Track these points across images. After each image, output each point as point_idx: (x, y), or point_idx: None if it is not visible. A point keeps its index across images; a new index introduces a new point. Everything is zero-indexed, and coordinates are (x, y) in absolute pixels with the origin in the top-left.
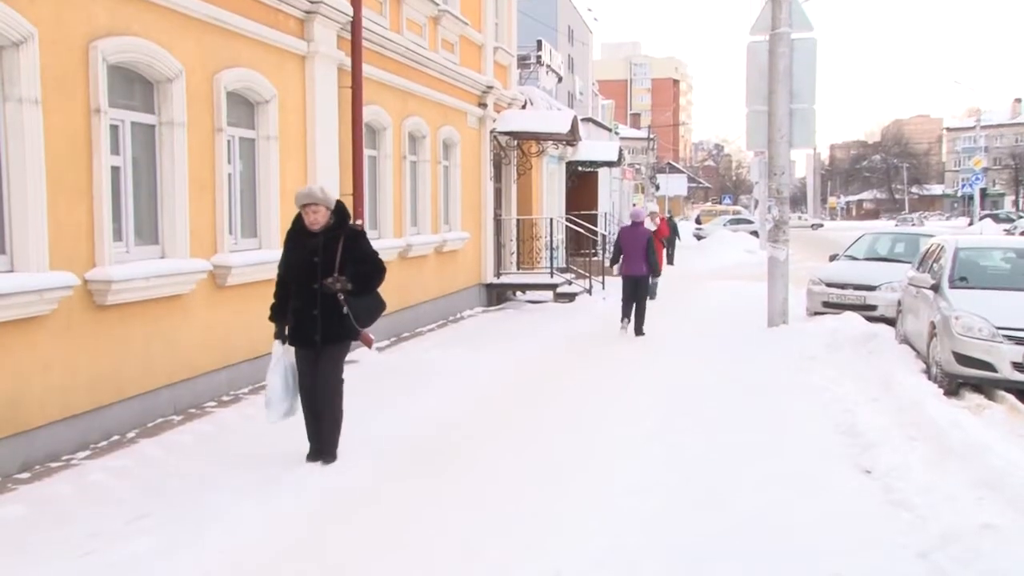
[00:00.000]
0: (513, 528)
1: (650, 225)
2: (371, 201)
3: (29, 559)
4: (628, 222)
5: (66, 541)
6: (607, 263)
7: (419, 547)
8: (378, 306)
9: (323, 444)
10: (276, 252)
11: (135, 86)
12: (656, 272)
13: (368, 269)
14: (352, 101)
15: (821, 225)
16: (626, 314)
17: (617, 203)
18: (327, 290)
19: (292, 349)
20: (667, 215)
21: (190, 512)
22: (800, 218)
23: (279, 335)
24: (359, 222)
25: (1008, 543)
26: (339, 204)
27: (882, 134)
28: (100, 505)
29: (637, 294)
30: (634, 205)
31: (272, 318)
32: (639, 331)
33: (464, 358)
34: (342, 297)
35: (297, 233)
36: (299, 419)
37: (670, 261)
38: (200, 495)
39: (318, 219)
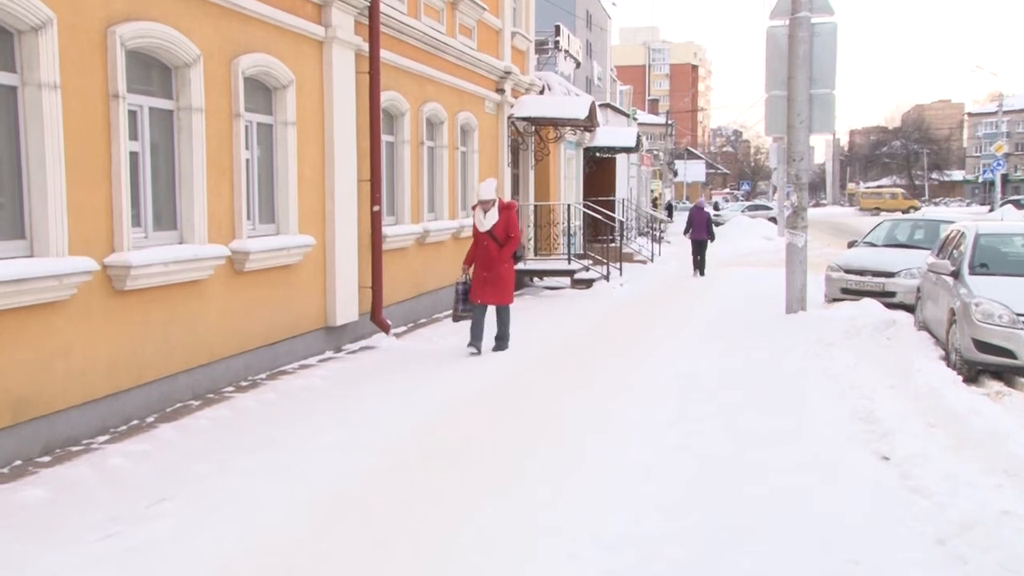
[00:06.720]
0: (529, 512)
1: (483, 221)
2: (389, 187)
3: (50, 542)
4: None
5: (86, 524)
6: (682, 233)
7: (437, 530)
8: None
9: None
10: (294, 238)
11: (153, 71)
12: (712, 237)
13: None
14: (370, 86)
15: (918, 208)
16: (695, 266)
17: (635, 189)
18: None
19: None
20: (670, 202)
21: (208, 496)
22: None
23: None
24: (376, 208)
25: None
26: None
27: (902, 119)
28: (120, 489)
29: (700, 250)
30: (697, 199)
31: None
32: (702, 273)
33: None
34: None
35: None
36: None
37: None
38: (218, 479)
39: None
